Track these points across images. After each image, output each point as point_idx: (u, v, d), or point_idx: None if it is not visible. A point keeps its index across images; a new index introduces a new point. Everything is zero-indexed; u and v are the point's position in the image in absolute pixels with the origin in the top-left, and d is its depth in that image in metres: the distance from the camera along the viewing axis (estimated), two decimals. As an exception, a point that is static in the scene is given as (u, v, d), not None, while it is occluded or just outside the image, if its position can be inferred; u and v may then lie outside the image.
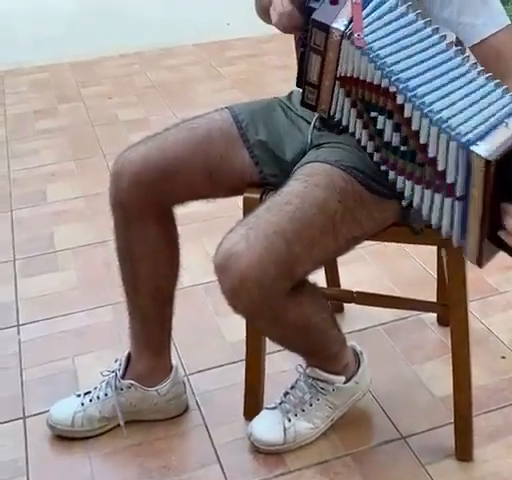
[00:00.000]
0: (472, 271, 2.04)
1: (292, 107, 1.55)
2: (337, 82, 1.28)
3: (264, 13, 1.51)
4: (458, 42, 1.40)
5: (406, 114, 1.16)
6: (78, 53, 4.40)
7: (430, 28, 1.22)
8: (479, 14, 1.33)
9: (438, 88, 1.15)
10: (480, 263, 1.17)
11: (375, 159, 1.29)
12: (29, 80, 4.12)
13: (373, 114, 1.24)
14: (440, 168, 1.14)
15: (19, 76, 4.20)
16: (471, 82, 1.16)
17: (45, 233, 2.53)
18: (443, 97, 1.14)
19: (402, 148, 1.22)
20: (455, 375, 1.53)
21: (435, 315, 1.96)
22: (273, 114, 1.54)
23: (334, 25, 1.23)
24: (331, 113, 1.33)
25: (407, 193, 1.25)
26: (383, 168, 1.28)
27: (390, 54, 1.19)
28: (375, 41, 1.21)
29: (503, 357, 1.85)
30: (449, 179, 1.13)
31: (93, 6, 5.30)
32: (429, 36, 1.21)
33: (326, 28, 1.24)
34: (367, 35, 1.21)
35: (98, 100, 3.76)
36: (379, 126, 1.24)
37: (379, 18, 1.23)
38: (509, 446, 1.59)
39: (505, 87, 1.15)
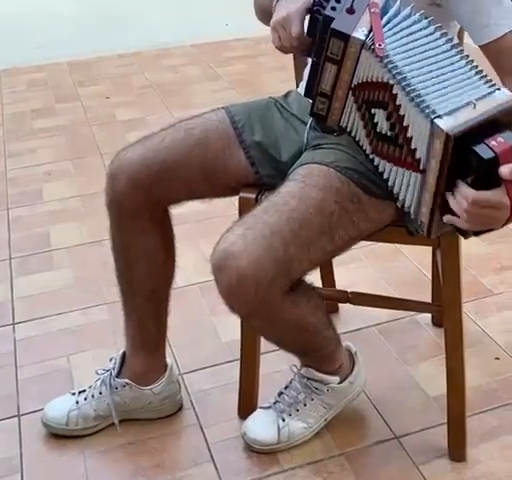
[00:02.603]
0: (467, 272, 2.06)
1: (287, 107, 1.56)
2: (349, 91, 1.28)
3: (264, 15, 1.51)
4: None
5: (398, 101, 1.19)
6: (76, 53, 4.41)
7: (439, 32, 1.22)
8: (492, 14, 1.32)
9: (431, 78, 1.17)
10: (429, 233, 1.23)
11: (367, 152, 1.31)
12: (27, 79, 4.13)
13: (373, 111, 1.26)
14: (413, 146, 1.19)
15: (17, 75, 4.20)
16: (458, 72, 1.18)
17: (41, 232, 2.54)
18: (432, 85, 1.17)
19: (389, 134, 1.24)
20: (449, 376, 1.54)
21: (430, 316, 1.97)
22: (269, 114, 1.55)
23: (354, 34, 1.22)
24: (341, 123, 1.33)
25: (386, 174, 1.28)
26: (371, 157, 1.31)
27: (401, 57, 1.20)
28: (392, 49, 1.20)
29: (497, 358, 1.85)
30: (417, 155, 1.18)
31: (92, 6, 5.31)
32: (437, 39, 1.21)
33: (346, 38, 1.22)
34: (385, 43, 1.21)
35: (96, 100, 3.76)
36: (376, 120, 1.26)
37: (395, 26, 1.23)
38: (502, 447, 1.59)
39: (488, 78, 1.17)
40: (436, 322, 1.95)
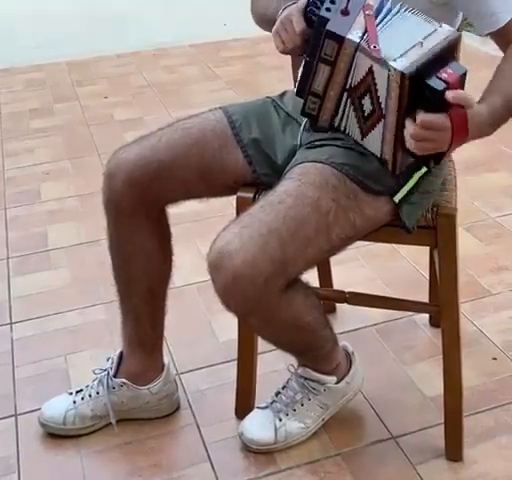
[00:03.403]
0: (464, 272, 2.06)
1: (283, 107, 1.56)
2: (345, 93, 1.29)
3: (263, 22, 1.51)
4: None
5: (374, 75, 1.23)
6: (75, 52, 4.41)
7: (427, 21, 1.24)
8: (498, 5, 1.35)
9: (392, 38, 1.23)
10: (394, 170, 1.30)
11: (359, 140, 1.33)
12: (25, 79, 4.13)
13: (363, 102, 1.28)
14: (380, 100, 1.24)
15: (15, 75, 4.20)
16: (408, 22, 1.24)
17: (39, 232, 2.54)
18: (391, 41, 1.22)
19: (371, 109, 1.27)
20: (446, 376, 1.54)
21: (427, 316, 1.97)
22: (266, 114, 1.55)
23: (349, 36, 1.23)
24: (333, 123, 1.33)
25: (367, 145, 1.33)
26: (360, 142, 1.33)
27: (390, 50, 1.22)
28: (385, 47, 1.21)
29: (494, 358, 1.85)
30: (382, 105, 1.25)
31: (90, 7, 5.31)
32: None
33: (341, 39, 1.23)
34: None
35: (94, 99, 3.77)
36: (364, 108, 1.28)
37: (387, 26, 1.24)
38: (499, 447, 1.60)
39: (432, 20, 1.23)
40: (433, 322, 1.95)
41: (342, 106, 1.32)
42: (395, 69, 1.17)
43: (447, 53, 1.20)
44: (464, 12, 1.43)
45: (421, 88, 1.17)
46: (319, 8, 1.26)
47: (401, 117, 1.22)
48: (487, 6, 1.36)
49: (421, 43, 1.19)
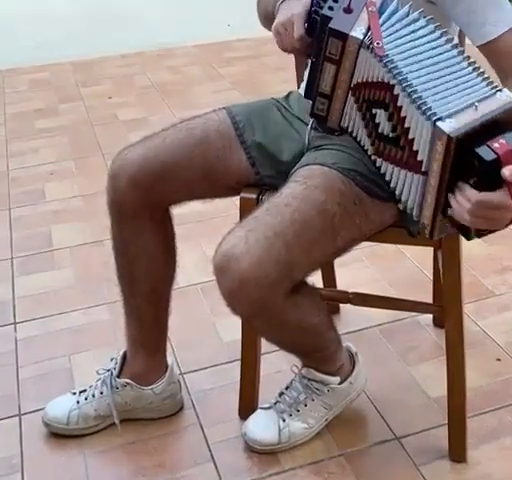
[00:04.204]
0: (468, 273, 2.05)
1: (289, 108, 1.56)
2: (350, 91, 1.28)
3: (267, 20, 1.51)
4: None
5: (399, 103, 1.18)
6: (79, 53, 4.41)
7: (439, 31, 1.21)
8: (490, 14, 1.31)
9: (432, 79, 1.17)
10: (432, 236, 1.23)
11: (369, 153, 1.30)
12: (29, 79, 4.14)
13: (374, 111, 1.25)
14: (415, 147, 1.18)
15: (19, 75, 4.21)
16: (460, 73, 1.17)
17: (43, 232, 2.54)
18: (433, 86, 1.16)
19: (391, 135, 1.24)
20: (450, 377, 1.54)
21: (431, 316, 1.97)
22: (270, 115, 1.55)
23: (352, 34, 1.21)
24: (342, 123, 1.32)
25: (388, 176, 1.28)
26: (373, 158, 1.30)
27: (400, 57, 1.19)
28: (391, 48, 1.19)
29: (498, 359, 1.85)
30: (419, 157, 1.18)
31: (94, 7, 5.32)
32: (437, 38, 1.21)
33: (344, 37, 1.21)
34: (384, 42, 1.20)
35: (98, 100, 3.77)
36: (377, 120, 1.25)
37: (393, 25, 1.22)
38: (502, 448, 1.59)
39: (489, 79, 1.16)
40: (437, 323, 1.95)
41: (347, 105, 1.30)
42: (443, 131, 1.10)
43: (502, 122, 1.11)
44: (454, 19, 1.38)
45: (469, 156, 1.09)
46: (322, 8, 1.26)
47: (445, 183, 1.14)
48: (477, 14, 1.31)
49: (476, 106, 1.11)
